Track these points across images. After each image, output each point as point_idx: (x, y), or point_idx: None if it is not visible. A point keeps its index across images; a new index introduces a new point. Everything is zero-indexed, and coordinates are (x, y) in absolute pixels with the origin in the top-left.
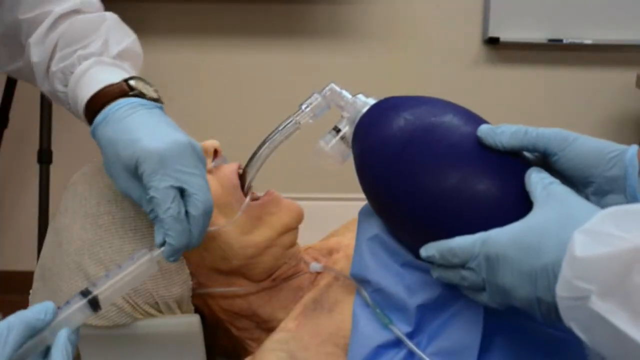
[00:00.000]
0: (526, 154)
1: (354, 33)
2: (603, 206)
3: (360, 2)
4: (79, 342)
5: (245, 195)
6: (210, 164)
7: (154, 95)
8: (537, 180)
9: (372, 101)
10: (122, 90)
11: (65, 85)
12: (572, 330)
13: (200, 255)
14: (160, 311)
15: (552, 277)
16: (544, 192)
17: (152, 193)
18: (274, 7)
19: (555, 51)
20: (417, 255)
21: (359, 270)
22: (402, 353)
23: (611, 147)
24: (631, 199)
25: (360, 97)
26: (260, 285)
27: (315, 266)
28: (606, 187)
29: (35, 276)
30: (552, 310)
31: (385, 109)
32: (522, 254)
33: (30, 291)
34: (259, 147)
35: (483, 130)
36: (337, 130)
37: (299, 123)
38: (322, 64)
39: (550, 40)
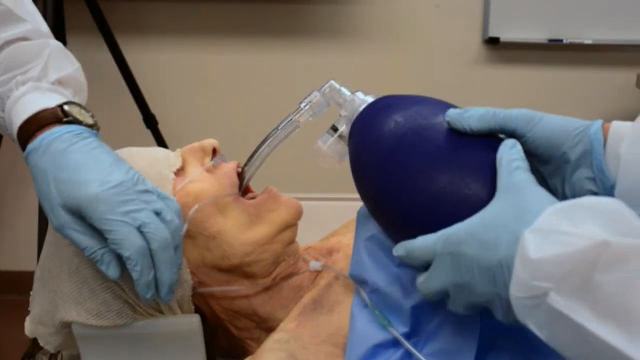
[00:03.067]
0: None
1: (354, 33)
2: (574, 182)
3: (360, 2)
4: (79, 342)
5: (243, 193)
6: (209, 162)
7: (90, 121)
8: (506, 164)
9: (370, 99)
10: (55, 116)
11: (3, 110)
12: (528, 327)
13: (200, 254)
14: (160, 311)
15: (507, 274)
16: (506, 179)
17: (113, 236)
18: (274, 7)
19: (555, 51)
20: None
21: (357, 271)
22: (399, 353)
23: (576, 123)
24: (598, 172)
25: (359, 94)
26: (260, 283)
27: (314, 264)
28: (575, 164)
29: (35, 277)
30: (511, 307)
31: (378, 109)
32: (480, 250)
33: (31, 292)
34: (259, 146)
35: (451, 114)
36: (335, 130)
37: (298, 122)
38: (322, 64)
39: (550, 40)
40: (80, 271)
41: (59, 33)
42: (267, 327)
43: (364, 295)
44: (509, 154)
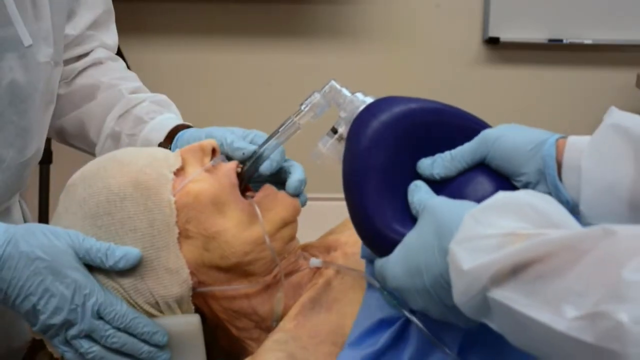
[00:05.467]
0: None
1: (354, 33)
2: None
3: (360, 2)
4: None
5: (243, 193)
6: (208, 162)
7: None
8: (418, 203)
9: (370, 100)
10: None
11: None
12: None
13: (200, 254)
14: (160, 311)
15: (446, 288)
16: (420, 207)
17: None
18: (274, 7)
19: (555, 51)
20: None
21: (368, 252)
22: (399, 323)
23: (533, 139)
24: (552, 187)
25: (359, 95)
26: (261, 282)
27: (314, 261)
28: (534, 179)
29: None
30: (461, 313)
31: (371, 115)
32: (412, 279)
33: None
34: (259, 147)
35: (421, 165)
36: (335, 131)
37: (299, 124)
38: (322, 64)
39: (550, 40)
40: None
41: None
42: (266, 326)
43: (372, 279)
44: (418, 191)
